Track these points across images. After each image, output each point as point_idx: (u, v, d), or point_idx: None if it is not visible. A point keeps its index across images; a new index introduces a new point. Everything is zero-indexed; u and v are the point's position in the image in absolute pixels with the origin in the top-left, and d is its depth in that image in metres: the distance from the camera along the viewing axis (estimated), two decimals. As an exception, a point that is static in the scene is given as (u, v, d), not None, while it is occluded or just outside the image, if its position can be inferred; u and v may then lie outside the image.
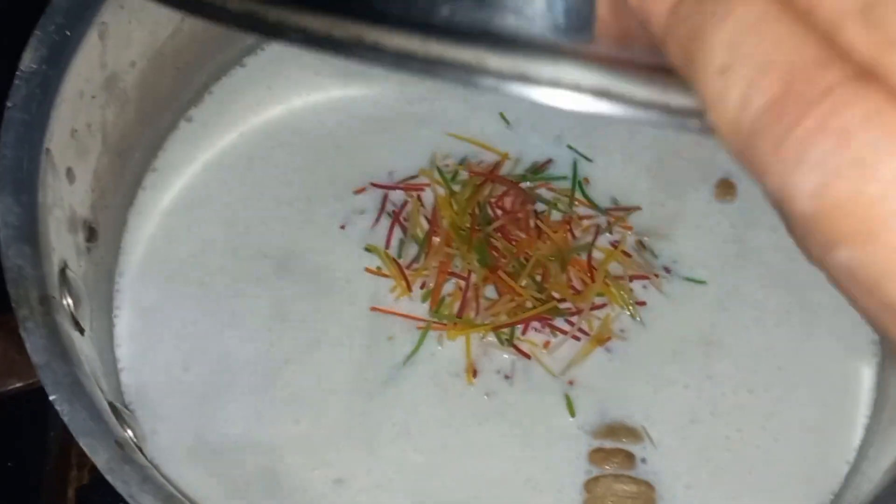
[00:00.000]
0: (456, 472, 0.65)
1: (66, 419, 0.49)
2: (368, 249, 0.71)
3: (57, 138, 0.60)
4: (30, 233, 0.55)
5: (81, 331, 0.58)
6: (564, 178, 0.73)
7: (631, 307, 0.68)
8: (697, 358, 0.68)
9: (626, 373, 0.67)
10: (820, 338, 0.68)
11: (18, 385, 0.53)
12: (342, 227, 0.72)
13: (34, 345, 0.51)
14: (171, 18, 0.70)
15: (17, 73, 0.58)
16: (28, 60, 0.59)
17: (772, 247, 0.71)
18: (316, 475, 0.64)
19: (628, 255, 0.70)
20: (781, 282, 0.70)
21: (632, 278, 0.69)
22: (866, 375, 0.68)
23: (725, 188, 0.73)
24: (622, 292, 0.68)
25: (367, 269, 0.70)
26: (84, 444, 0.49)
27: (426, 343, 0.68)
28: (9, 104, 0.58)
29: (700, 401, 0.67)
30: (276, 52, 0.79)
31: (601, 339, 0.67)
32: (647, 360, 0.68)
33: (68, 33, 0.60)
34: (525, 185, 0.72)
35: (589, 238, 0.71)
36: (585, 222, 0.71)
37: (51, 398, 0.50)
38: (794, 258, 0.71)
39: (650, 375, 0.67)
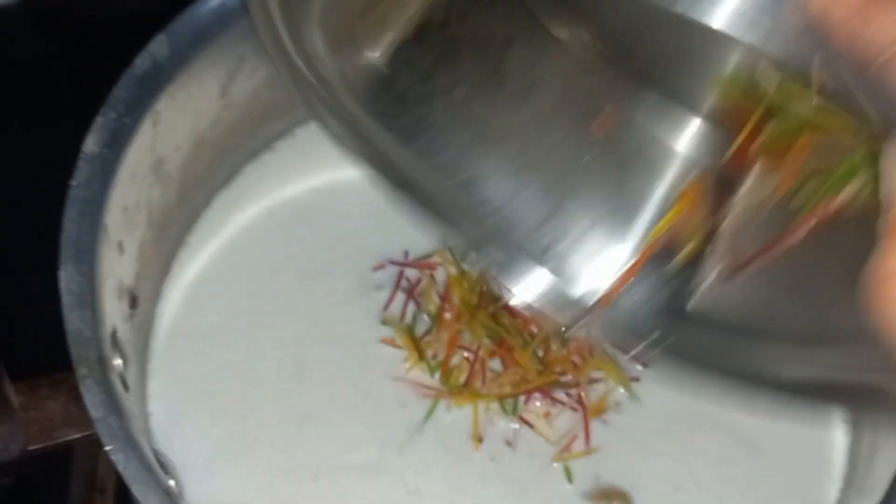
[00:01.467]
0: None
1: (120, 468, 0.55)
2: (384, 322, 0.77)
3: (112, 214, 0.66)
4: (89, 300, 0.61)
5: (127, 388, 0.64)
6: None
7: (626, 384, 0.75)
8: (684, 433, 0.74)
9: (619, 442, 0.73)
10: (793, 411, 0.74)
11: (76, 436, 0.58)
12: (360, 300, 0.78)
13: (92, 400, 0.57)
14: (211, 108, 0.77)
15: (81, 154, 0.65)
16: (91, 144, 0.65)
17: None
18: (332, 531, 0.70)
19: (622, 334, 0.77)
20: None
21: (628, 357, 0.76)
22: (838, 450, 0.74)
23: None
24: (618, 369, 0.75)
25: (383, 340, 0.76)
26: (137, 491, 0.54)
27: (436, 410, 0.74)
28: (73, 183, 0.64)
29: (685, 472, 0.73)
30: (303, 138, 0.86)
31: (598, 411, 0.73)
32: (640, 432, 0.74)
33: (127, 121, 0.67)
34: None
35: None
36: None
37: (106, 448, 0.55)
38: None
39: (641, 446, 0.73)
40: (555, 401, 0.74)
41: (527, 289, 0.55)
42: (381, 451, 0.72)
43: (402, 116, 0.48)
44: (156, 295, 0.78)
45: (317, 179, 0.84)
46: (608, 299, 0.48)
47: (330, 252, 0.80)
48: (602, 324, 0.47)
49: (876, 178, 0.42)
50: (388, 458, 0.72)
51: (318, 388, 0.74)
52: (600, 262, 0.53)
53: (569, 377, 0.74)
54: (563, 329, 0.48)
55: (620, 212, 0.50)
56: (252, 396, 0.74)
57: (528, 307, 0.51)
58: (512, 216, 0.47)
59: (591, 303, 0.43)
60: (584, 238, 0.53)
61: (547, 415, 0.74)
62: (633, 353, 0.52)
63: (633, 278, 0.50)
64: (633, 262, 0.50)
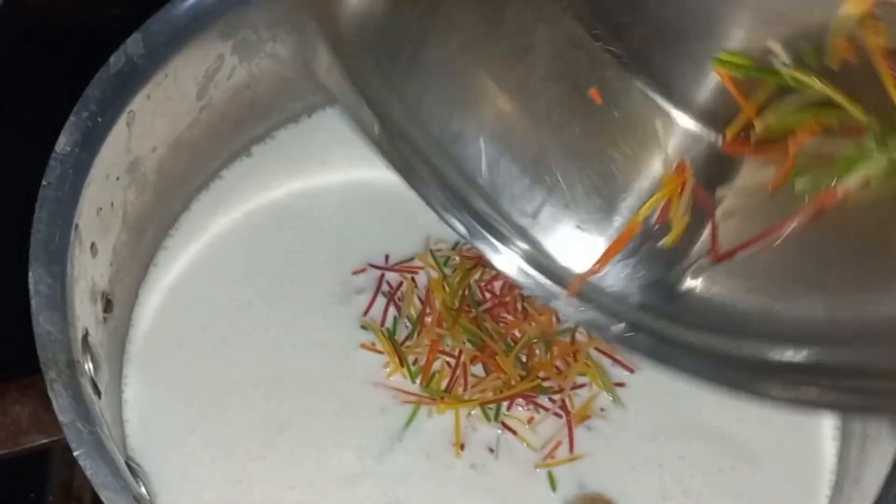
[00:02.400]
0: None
1: (89, 474, 0.53)
2: (364, 327, 0.76)
3: (85, 215, 0.65)
4: (59, 301, 0.59)
5: (99, 394, 0.62)
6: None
7: (611, 389, 0.73)
8: (671, 440, 0.72)
9: (604, 449, 0.72)
10: (783, 418, 0.73)
11: (44, 441, 0.57)
12: (340, 305, 0.77)
13: (61, 405, 0.55)
14: (189, 110, 0.76)
15: (53, 154, 0.64)
16: (63, 143, 0.64)
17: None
18: (309, 540, 0.68)
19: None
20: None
21: (613, 360, 0.75)
22: (827, 459, 0.73)
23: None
24: (603, 374, 0.73)
25: (363, 345, 0.75)
26: (106, 498, 0.53)
27: (416, 416, 0.72)
28: (44, 183, 0.63)
29: (672, 480, 0.71)
30: (283, 142, 0.85)
31: (583, 417, 0.72)
32: (625, 439, 0.72)
33: (100, 120, 0.66)
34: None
35: (572, 322, 0.76)
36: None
37: (75, 454, 0.54)
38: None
39: (627, 453, 0.72)
40: (538, 407, 0.73)
41: (508, 260, 0.54)
42: (360, 459, 0.71)
43: (397, 58, 0.46)
44: (132, 299, 0.76)
45: (297, 183, 0.83)
46: (589, 274, 0.47)
47: (309, 256, 0.79)
48: (581, 301, 0.45)
49: (891, 162, 0.40)
50: (367, 466, 0.70)
51: (296, 395, 0.73)
52: (584, 237, 0.52)
53: (552, 382, 0.73)
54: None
55: (605, 189, 0.48)
56: (229, 404, 0.73)
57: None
58: (497, 179, 0.45)
59: (573, 275, 0.41)
60: (569, 211, 0.52)
61: (530, 421, 0.72)
62: (610, 336, 0.50)
63: (616, 254, 0.48)
64: (616, 238, 0.49)
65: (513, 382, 0.72)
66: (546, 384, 0.73)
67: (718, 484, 0.71)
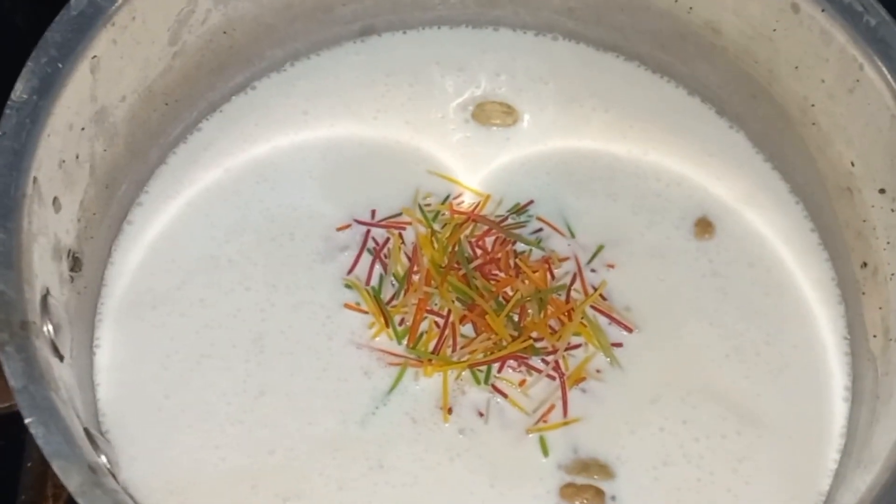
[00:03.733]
0: (413, 506, 0.65)
1: (40, 442, 0.50)
2: (348, 286, 0.72)
3: (45, 168, 0.61)
4: (13, 258, 0.56)
5: (61, 357, 0.59)
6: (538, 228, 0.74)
7: (608, 350, 0.69)
8: (672, 402, 0.69)
9: (600, 413, 0.68)
10: (791, 379, 0.69)
11: (-4, 407, 0.53)
12: (324, 263, 0.73)
13: (12, 369, 0.52)
14: (161, 57, 0.72)
15: (9, 102, 0.60)
16: (20, 91, 0.60)
17: (750, 282, 0.73)
18: (288, 507, 0.65)
19: (604, 299, 0.72)
20: (759, 317, 0.72)
21: (610, 320, 0.71)
22: (837, 421, 0.69)
23: (704, 227, 0.75)
24: (599, 334, 0.69)
25: (347, 305, 0.71)
26: (57, 466, 0.50)
27: (402, 379, 0.69)
28: (-1, 132, 0.59)
29: (674, 444, 0.67)
30: (264, 91, 0.80)
31: (577, 379, 0.68)
32: (623, 402, 0.69)
33: (60, 66, 0.62)
34: (508, 223, 0.74)
35: (568, 279, 0.72)
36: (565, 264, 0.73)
37: (26, 421, 0.50)
38: (770, 293, 0.73)
39: (625, 416, 0.68)
40: (530, 368, 0.69)
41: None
42: (343, 424, 0.67)
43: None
44: (104, 258, 0.72)
45: (279, 136, 0.78)
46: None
47: (292, 212, 0.75)
48: None
49: None
50: (351, 430, 0.67)
51: (276, 357, 0.69)
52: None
53: (546, 343, 0.69)
54: None
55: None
56: (207, 367, 0.69)
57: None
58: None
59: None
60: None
61: (522, 383, 0.69)
62: None
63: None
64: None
65: (504, 343, 0.69)
66: (539, 345, 0.69)
67: (722, 449, 0.67)
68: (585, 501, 0.65)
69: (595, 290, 0.72)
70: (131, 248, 0.74)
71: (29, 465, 0.76)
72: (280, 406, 0.68)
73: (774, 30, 0.72)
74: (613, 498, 0.66)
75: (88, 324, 0.70)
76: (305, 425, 0.67)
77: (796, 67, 0.72)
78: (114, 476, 0.56)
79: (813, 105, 0.72)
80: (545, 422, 0.67)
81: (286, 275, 0.73)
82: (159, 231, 0.75)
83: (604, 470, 0.66)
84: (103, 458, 0.57)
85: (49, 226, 0.62)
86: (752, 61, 0.75)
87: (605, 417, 0.68)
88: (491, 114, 0.78)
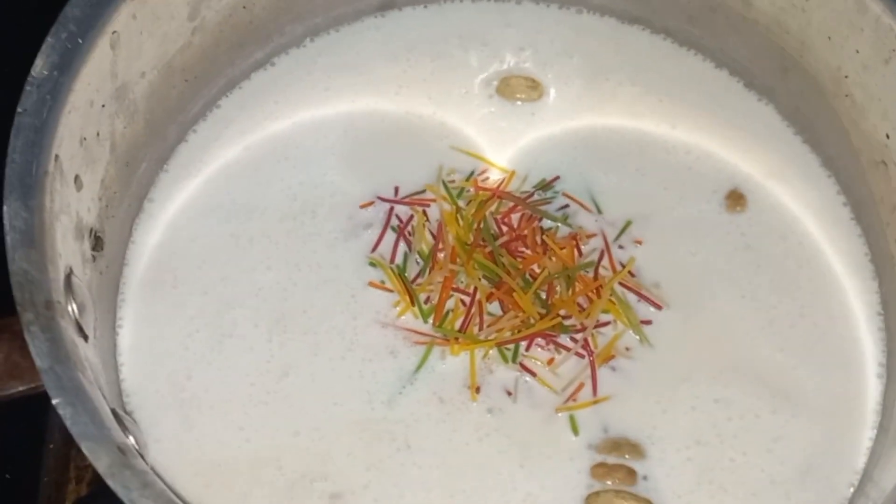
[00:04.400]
0: (455, 488, 0.64)
1: (68, 423, 0.49)
2: (372, 264, 0.71)
3: (66, 145, 0.60)
4: (36, 237, 0.55)
5: (85, 337, 0.58)
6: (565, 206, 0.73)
7: (637, 327, 0.68)
8: (704, 381, 0.67)
9: (631, 391, 0.67)
10: (826, 352, 0.68)
11: (21, 389, 0.53)
12: (347, 241, 0.72)
13: (38, 349, 0.51)
14: (180, 32, 0.70)
15: (29, 78, 0.59)
16: (40, 67, 0.59)
17: (783, 254, 0.72)
18: (314, 488, 0.64)
19: (633, 275, 0.70)
20: (793, 290, 0.71)
21: (639, 297, 0.69)
22: (872, 397, 0.68)
23: (736, 199, 0.73)
24: (628, 311, 0.68)
25: (371, 284, 0.70)
26: (86, 448, 0.49)
27: (429, 358, 0.68)
28: (19, 109, 0.58)
29: (706, 423, 0.66)
30: (284, 68, 0.79)
31: (607, 357, 0.67)
32: (654, 380, 0.67)
33: (80, 41, 0.61)
34: (534, 200, 0.73)
35: (595, 255, 0.70)
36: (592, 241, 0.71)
37: (53, 402, 0.50)
38: (803, 265, 0.71)
39: (656, 395, 0.67)
40: (559, 347, 0.68)
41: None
42: (369, 404, 0.66)
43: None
44: (125, 237, 0.71)
45: (299, 112, 0.77)
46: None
47: (314, 190, 0.74)
48: None
49: None
50: (377, 411, 0.66)
51: (299, 337, 0.68)
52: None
53: (574, 321, 0.68)
54: None
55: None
56: (229, 347, 0.68)
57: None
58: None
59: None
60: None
61: (550, 362, 0.67)
62: None
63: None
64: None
65: (532, 321, 0.67)
66: (567, 322, 0.68)
67: (756, 428, 0.66)
68: (617, 481, 0.64)
69: (623, 266, 0.70)
70: (152, 227, 0.73)
71: (51, 446, 0.76)
72: (304, 386, 0.67)
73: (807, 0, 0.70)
74: (645, 477, 0.65)
75: (110, 304, 0.69)
76: (331, 406, 0.66)
77: (829, 38, 0.71)
78: (142, 457, 0.55)
79: (847, 76, 0.71)
80: (574, 401, 0.66)
81: (308, 253, 0.72)
82: (180, 210, 0.74)
83: (635, 449, 0.65)
84: (131, 439, 0.56)
85: (71, 204, 0.61)
86: (783, 32, 0.74)
87: (635, 396, 0.67)
88: (516, 88, 0.77)
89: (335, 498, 0.63)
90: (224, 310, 0.69)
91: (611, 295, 0.69)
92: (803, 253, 0.72)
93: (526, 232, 0.71)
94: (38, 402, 0.68)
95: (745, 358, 0.68)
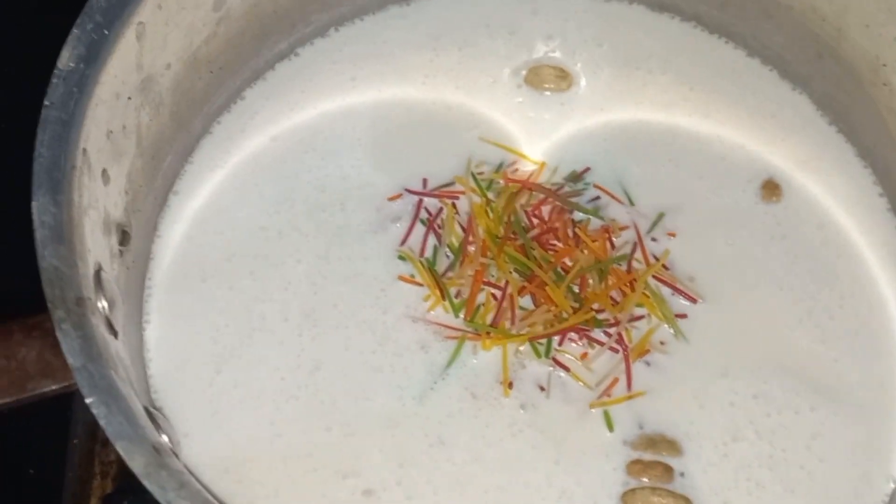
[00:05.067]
0: (489, 484, 0.63)
1: (102, 423, 0.48)
2: (402, 257, 0.70)
3: (93, 139, 0.59)
4: (66, 233, 0.54)
5: (115, 334, 0.57)
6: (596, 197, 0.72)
7: (672, 321, 0.67)
8: (742, 376, 0.66)
9: (666, 386, 0.66)
10: (866, 343, 0.67)
11: (54, 388, 0.52)
12: (376, 234, 0.71)
13: (70, 347, 0.50)
14: (206, 23, 0.69)
15: (55, 71, 0.58)
16: (66, 59, 0.58)
17: (820, 243, 0.71)
18: (346, 485, 0.63)
19: (667, 268, 0.69)
20: (831, 280, 0.69)
21: (674, 290, 0.68)
22: (912, 393, 0.67)
23: (771, 189, 0.72)
24: (662, 305, 0.67)
25: (401, 277, 0.69)
26: (121, 448, 0.48)
27: (460, 353, 0.67)
28: (46, 102, 0.57)
29: (744, 419, 0.65)
30: (308, 58, 0.78)
31: (641, 351, 0.66)
32: (691, 375, 0.66)
33: (106, 32, 0.60)
34: (565, 192, 0.71)
35: (628, 248, 0.69)
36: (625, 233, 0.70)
37: (87, 401, 0.49)
38: (842, 254, 0.70)
39: (692, 390, 0.66)
40: (592, 341, 0.67)
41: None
42: (400, 399, 0.65)
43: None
44: (150, 231, 0.71)
45: (325, 103, 0.76)
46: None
47: (341, 182, 0.73)
48: None
49: None
50: (408, 406, 0.65)
51: (329, 331, 0.67)
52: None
53: (608, 315, 0.67)
54: None
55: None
56: (259, 342, 0.67)
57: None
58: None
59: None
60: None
61: (584, 356, 0.66)
62: None
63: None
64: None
65: (564, 315, 0.66)
66: (601, 317, 0.67)
67: (795, 424, 0.65)
68: (654, 478, 0.63)
69: (657, 259, 0.69)
70: (178, 221, 0.72)
71: (75, 441, 0.75)
72: (335, 381, 0.66)
73: (844, -15, 0.69)
74: (682, 474, 0.64)
75: (137, 299, 0.68)
76: (362, 401, 0.65)
77: (867, 25, 0.69)
78: (176, 455, 0.54)
79: (885, 65, 0.69)
80: (609, 396, 0.65)
81: (337, 246, 0.71)
82: (206, 203, 0.73)
83: (672, 446, 0.64)
84: (164, 438, 0.55)
85: (99, 199, 0.60)
86: (818, 19, 0.72)
87: (671, 391, 0.66)
88: (545, 78, 0.76)
89: (368, 494, 0.63)
90: (253, 304, 0.68)
91: (644, 288, 0.68)
92: (840, 240, 0.71)
93: (557, 224, 0.69)
94: (62, 399, 0.68)
95: (784, 351, 0.67)
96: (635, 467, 0.63)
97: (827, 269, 0.70)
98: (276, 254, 0.70)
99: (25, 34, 0.79)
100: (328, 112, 0.76)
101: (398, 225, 0.71)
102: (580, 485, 0.63)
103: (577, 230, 0.69)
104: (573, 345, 0.67)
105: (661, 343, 0.67)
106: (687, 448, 0.64)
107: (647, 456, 0.64)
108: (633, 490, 0.63)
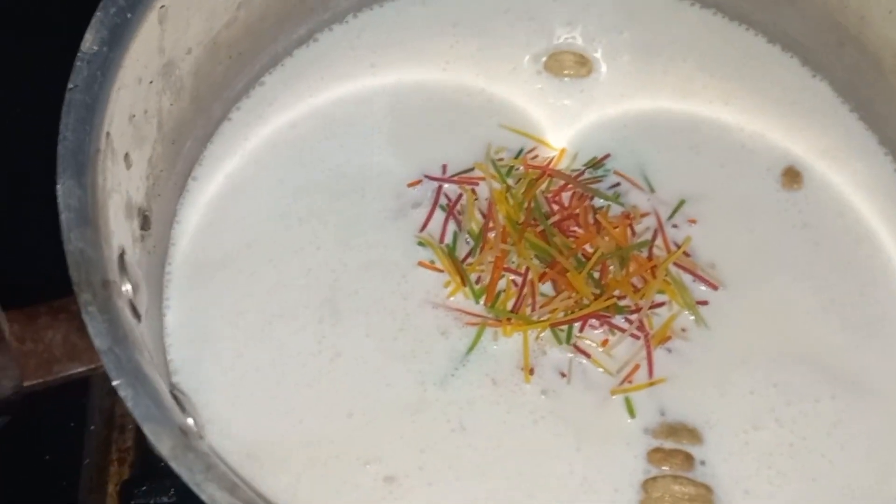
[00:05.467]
0: (510, 471, 0.63)
1: (129, 405, 0.48)
2: (422, 243, 0.70)
3: (117, 123, 0.59)
4: (91, 216, 0.54)
5: (139, 317, 0.57)
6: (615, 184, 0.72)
7: (693, 308, 0.67)
8: (763, 364, 0.66)
9: (687, 374, 0.66)
10: (888, 332, 0.67)
11: (80, 370, 0.52)
12: (396, 221, 0.71)
13: (97, 329, 0.50)
14: (227, 7, 0.69)
15: (79, 54, 0.57)
16: (89, 42, 0.58)
17: (842, 231, 0.70)
18: (367, 471, 0.63)
19: (688, 255, 0.69)
20: (852, 268, 0.69)
21: (695, 277, 0.68)
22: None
23: (792, 176, 0.72)
24: (683, 291, 0.67)
25: (421, 263, 0.69)
26: (148, 430, 0.48)
27: (481, 340, 0.66)
28: (70, 85, 0.56)
29: (765, 408, 0.65)
30: (326, 44, 0.78)
31: (662, 338, 0.66)
32: (711, 363, 0.66)
33: (129, 16, 0.59)
34: (585, 178, 0.71)
35: (649, 235, 0.69)
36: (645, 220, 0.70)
37: (114, 383, 0.49)
38: (863, 242, 0.70)
39: (713, 378, 0.66)
40: (613, 328, 0.67)
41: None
42: (422, 386, 0.65)
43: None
44: (170, 216, 0.70)
45: (344, 88, 0.76)
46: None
47: (360, 168, 0.73)
48: None
49: None
50: (430, 392, 0.65)
51: (350, 317, 0.67)
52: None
53: (629, 301, 0.67)
54: None
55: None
56: (279, 328, 0.67)
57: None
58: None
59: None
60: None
61: (605, 343, 0.66)
62: None
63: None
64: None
65: (585, 301, 0.66)
66: (622, 303, 0.67)
67: (815, 413, 0.65)
68: (675, 466, 0.63)
69: (678, 246, 0.69)
70: (198, 207, 0.72)
71: (92, 428, 0.75)
72: (356, 368, 0.66)
73: (868, -28, 0.69)
74: (703, 462, 0.64)
75: (157, 285, 0.68)
76: (383, 387, 0.65)
77: (890, 12, 0.69)
78: (201, 438, 0.54)
79: (908, 53, 0.69)
80: (630, 382, 0.65)
81: (356, 233, 0.70)
82: (225, 189, 0.72)
83: (692, 434, 0.64)
84: (190, 421, 0.55)
85: (122, 183, 0.60)
86: (841, 6, 0.72)
87: (691, 379, 0.66)
88: (565, 64, 0.75)
89: (389, 480, 0.62)
90: (273, 290, 0.68)
91: (665, 275, 0.67)
92: (861, 229, 0.71)
93: (578, 211, 0.69)
94: (79, 385, 0.68)
95: (805, 339, 0.67)
96: (656, 455, 0.63)
97: (848, 258, 0.70)
98: (296, 241, 0.70)
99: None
100: (347, 98, 0.75)
101: (417, 211, 0.71)
102: (601, 472, 0.63)
103: (598, 216, 0.69)
104: (594, 331, 0.67)
105: (682, 330, 0.67)
106: (707, 436, 0.64)
107: (668, 444, 0.64)
108: (653, 478, 0.63)
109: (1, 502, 0.73)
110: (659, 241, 0.69)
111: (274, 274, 0.69)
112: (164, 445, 0.48)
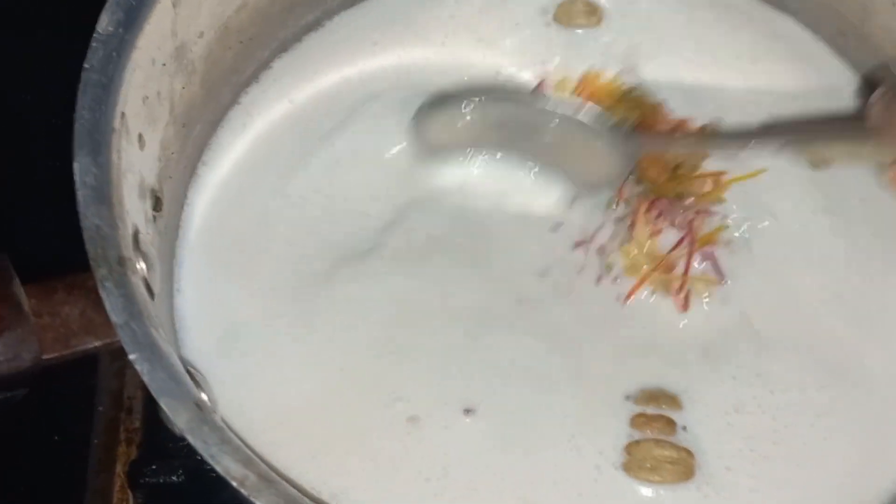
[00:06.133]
0: (500, 431, 0.64)
1: (146, 379, 0.49)
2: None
3: (131, 103, 0.59)
4: (106, 193, 0.55)
5: (153, 296, 0.58)
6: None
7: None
8: (751, 351, 0.67)
9: (673, 347, 0.67)
10: (890, 325, 0.68)
11: (97, 344, 0.52)
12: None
13: (113, 304, 0.51)
14: (238, -8, 0.70)
15: (95, 35, 0.58)
16: (105, 23, 0.59)
17: (859, 219, 0.71)
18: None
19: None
20: (864, 256, 0.70)
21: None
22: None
23: (819, 156, 0.72)
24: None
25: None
26: (164, 404, 0.49)
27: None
28: (86, 65, 0.57)
29: (747, 393, 0.66)
30: (335, 29, 0.78)
31: (707, 241, 0.68)
32: (698, 340, 0.67)
33: (143, -3, 0.60)
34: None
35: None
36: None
37: (130, 357, 0.49)
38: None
39: (698, 356, 0.67)
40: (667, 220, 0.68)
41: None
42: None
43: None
44: (181, 199, 0.71)
45: (351, 72, 0.76)
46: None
47: (371, 151, 0.73)
48: None
49: None
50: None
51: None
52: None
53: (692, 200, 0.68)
54: None
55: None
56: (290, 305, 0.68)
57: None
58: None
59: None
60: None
61: (656, 233, 0.68)
62: None
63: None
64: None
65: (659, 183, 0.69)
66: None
67: (800, 402, 0.65)
68: (657, 430, 0.64)
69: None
70: (207, 189, 0.72)
71: (100, 409, 0.76)
72: (371, 347, 0.67)
73: (871, -41, 0.69)
74: (684, 428, 0.64)
75: (169, 265, 0.69)
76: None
77: (894, 3, 0.70)
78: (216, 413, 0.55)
79: (911, 44, 0.70)
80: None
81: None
82: (234, 172, 0.73)
83: (673, 401, 0.65)
84: (204, 396, 0.56)
85: (135, 163, 0.60)
86: (843, -5, 0.73)
87: (677, 353, 0.67)
88: (573, 14, 0.75)
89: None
90: (283, 271, 0.69)
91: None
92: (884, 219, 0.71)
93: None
94: (87, 365, 0.68)
95: (794, 330, 0.67)
96: (639, 420, 0.64)
97: (862, 245, 0.70)
98: (302, 221, 0.71)
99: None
100: (354, 81, 0.76)
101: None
102: (589, 435, 0.64)
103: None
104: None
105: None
106: (688, 408, 0.65)
107: (651, 410, 0.65)
108: (637, 442, 0.64)
109: (10, 482, 0.74)
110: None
111: (284, 253, 0.69)
112: (180, 419, 0.49)
